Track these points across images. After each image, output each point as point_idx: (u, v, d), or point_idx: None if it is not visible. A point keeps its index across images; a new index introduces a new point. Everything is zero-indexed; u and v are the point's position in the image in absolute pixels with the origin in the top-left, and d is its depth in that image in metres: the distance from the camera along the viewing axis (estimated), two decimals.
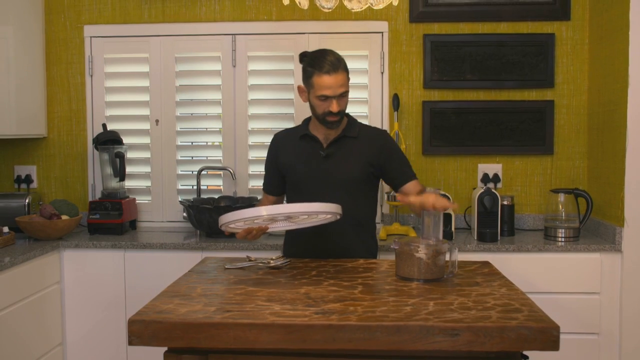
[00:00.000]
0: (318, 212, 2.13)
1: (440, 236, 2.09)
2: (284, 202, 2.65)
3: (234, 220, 2.08)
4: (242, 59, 3.46)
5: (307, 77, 2.38)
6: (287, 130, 2.66)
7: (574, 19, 3.36)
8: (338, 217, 2.19)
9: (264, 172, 2.66)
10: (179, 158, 3.54)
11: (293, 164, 2.50)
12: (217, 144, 3.55)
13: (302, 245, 2.49)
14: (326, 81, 2.31)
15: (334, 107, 2.34)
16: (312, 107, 2.42)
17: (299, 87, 2.46)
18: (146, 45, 3.49)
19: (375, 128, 2.63)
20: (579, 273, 2.92)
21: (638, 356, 2.89)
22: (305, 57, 2.42)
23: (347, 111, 2.47)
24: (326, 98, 2.34)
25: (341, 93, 2.34)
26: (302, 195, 2.46)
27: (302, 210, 2.10)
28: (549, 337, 1.56)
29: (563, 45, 3.38)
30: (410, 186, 2.49)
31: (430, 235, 2.09)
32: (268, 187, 2.62)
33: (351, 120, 2.54)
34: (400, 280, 2.04)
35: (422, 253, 1.99)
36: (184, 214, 3.38)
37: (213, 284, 1.99)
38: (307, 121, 2.57)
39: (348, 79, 2.39)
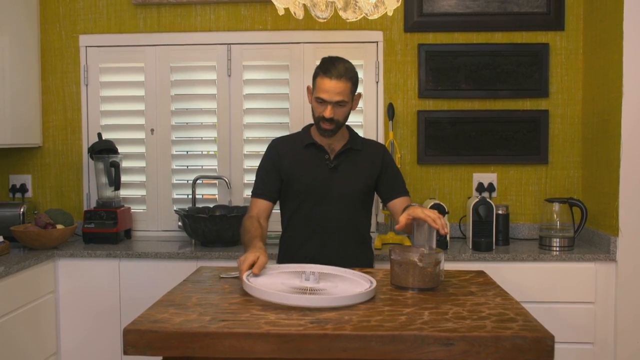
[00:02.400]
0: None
1: (434, 245, 2.09)
2: (272, 208, 2.53)
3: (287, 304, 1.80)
4: (238, 68, 3.46)
5: (313, 77, 2.40)
6: (287, 137, 2.61)
7: (568, 29, 3.38)
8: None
9: (256, 177, 2.54)
10: (174, 167, 3.53)
11: (298, 173, 2.45)
12: (212, 153, 3.54)
13: (302, 258, 2.40)
14: (325, 84, 2.32)
15: (327, 112, 2.33)
16: (312, 110, 2.43)
17: (307, 88, 2.47)
18: (141, 54, 3.49)
19: (374, 142, 2.65)
20: (574, 282, 2.92)
21: None
22: (322, 60, 2.42)
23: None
24: (322, 102, 2.34)
25: (338, 101, 2.33)
26: (305, 206, 2.45)
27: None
28: (543, 346, 1.54)
29: (557, 55, 3.39)
30: (399, 202, 2.50)
31: (423, 243, 2.08)
32: (265, 193, 2.48)
33: (353, 132, 2.55)
34: (395, 289, 2.02)
35: (419, 262, 1.97)
36: (179, 223, 3.37)
37: (208, 293, 1.97)
38: (307, 128, 2.55)
39: (352, 92, 2.38)
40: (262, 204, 2.48)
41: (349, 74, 2.35)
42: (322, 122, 2.37)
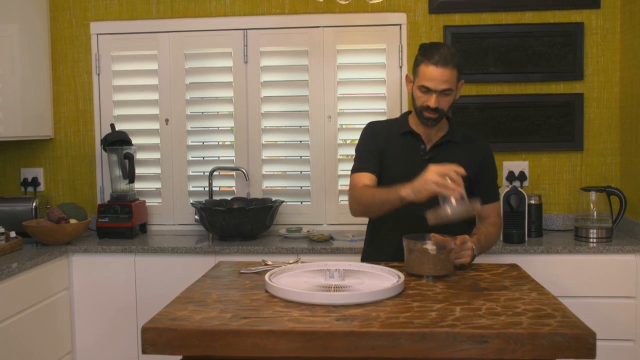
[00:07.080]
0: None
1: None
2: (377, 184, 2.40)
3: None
4: (254, 54, 3.40)
5: (415, 65, 2.29)
6: (383, 122, 2.52)
7: (604, 7, 3.28)
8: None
9: (356, 155, 2.42)
10: (190, 158, 3.49)
11: (390, 161, 2.36)
12: (229, 143, 3.50)
13: (382, 252, 2.36)
14: (430, 72, 2.21)
15: (432, 101, 2.22)
16: (412, 99, 2.33)
17: (406, 76, 2.38)
18: (155, 41, 3.45)
19: (477, 137, 2.49)
20: (613, 276, 2.83)
21: None
22: (421, 47, 2.32)
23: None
24: (427, 90, 2.23)
25: (443, 90, 2.22)
26: None
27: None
28: (584, 344, 1.48)
29: (593, 34, 3.29)
30: (487, 208, 2.37)
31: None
32: (370, 167, 2.34)
33: (453, 124, 2.43)
34: (409, 276, 2.01)
35: (431, 250, 1.98)
36: (196, 217, 3.34)
37: (228, 289, 1.93)
38: (405, 115, 2.45)
39: (458, 79, 2.27)
40: (368, 177, 2.34)
41: (455, 60, 2.23)
42: (425, 112, 2.27)
